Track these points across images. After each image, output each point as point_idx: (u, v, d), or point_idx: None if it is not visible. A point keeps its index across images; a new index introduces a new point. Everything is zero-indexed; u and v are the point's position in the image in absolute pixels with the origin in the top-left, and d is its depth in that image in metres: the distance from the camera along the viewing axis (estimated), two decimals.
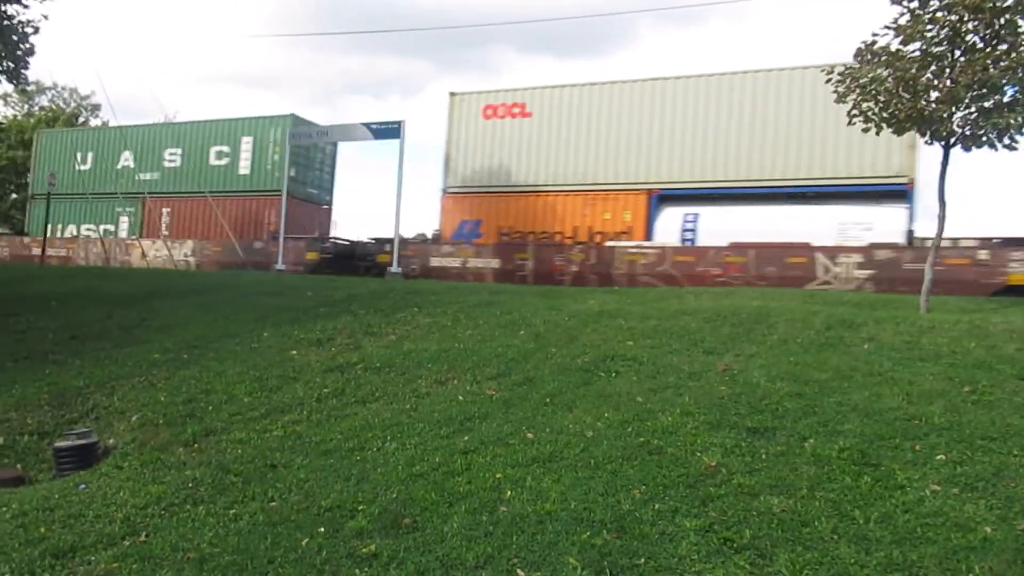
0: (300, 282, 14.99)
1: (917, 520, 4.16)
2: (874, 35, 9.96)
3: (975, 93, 9.39)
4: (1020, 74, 9.15)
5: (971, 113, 9.65)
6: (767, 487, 4.64)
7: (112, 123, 36.22)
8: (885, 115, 10.00)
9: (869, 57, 10.00)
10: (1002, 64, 9.16)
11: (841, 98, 10.29)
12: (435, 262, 19.20)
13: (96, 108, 44.17)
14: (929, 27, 9.50)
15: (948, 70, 9.56)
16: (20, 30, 14.38)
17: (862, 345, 7.70)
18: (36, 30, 14.59)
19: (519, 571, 3.93)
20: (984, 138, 9.57)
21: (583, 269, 17.50)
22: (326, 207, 25.84)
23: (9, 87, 35.88)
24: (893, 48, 9.85)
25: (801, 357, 7.28)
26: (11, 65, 14.64)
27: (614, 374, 7.16)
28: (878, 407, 5.84)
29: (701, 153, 18.52)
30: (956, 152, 10.04)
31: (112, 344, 9.89)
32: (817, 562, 3.82)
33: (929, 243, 15.54)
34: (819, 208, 16.93)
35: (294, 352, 8.78)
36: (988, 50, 9.34)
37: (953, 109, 9.59)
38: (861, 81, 9.98)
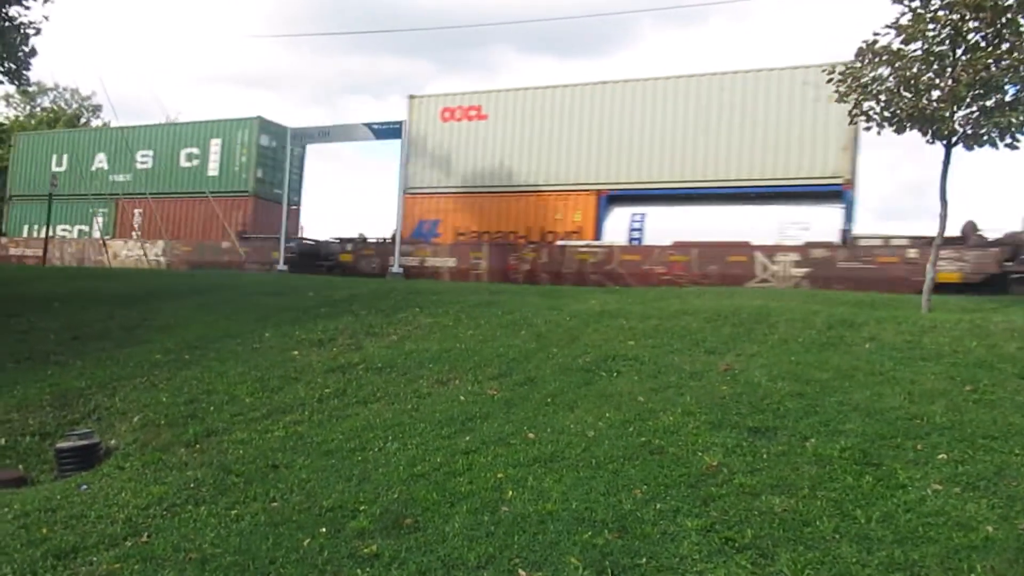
0: (300, 282, 15.00)
1: (919, 519, 4.16)
2: (875, 34, 9.95)
3: (977, 92, 9.38)
4: (1022, 73, 9.14)
5: (973, 112, 9.64)
6: (768, 487, 4.63)
7: (113, 124, 36.32)
8: (886, 114, 9.98)
9: (871, 56, 9.99)
10: (1004, 63, 9.16)
11: (842, 97, 10.28)
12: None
13: (97, 109, 44.24)
14: (931, 26, 9.49)
15: (950, 69, 9.54)
16: (22, 31, 14.39)
17: (863, 344, 7.69)
18: (38, 31, 14.59)
19: (521, 571, 3.93)
20: (986, 137, 9.56)
21: (535, 268, 18.02)
22: (294, 207, 26.07)
23: (11, 88, 35.93)
24: (895, 47, 9.84)
25: (802, 357, 7.27)
26: (13, 66, 14.65)
27: (615, 374, 7.16)
28: (879, 406, 5.84)
29: (649, 155, 18.92)
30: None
31: (113, 344, 9.90)
32: (819, 562, 3.82)
33: (862, 242, 15.94)
34: (760, 208, 17.33)
35: (296, 352, 8.79)
36: (990, 49, 9.32)
37: (955, 108, 9.59)
38: (862, 80, 9.98)
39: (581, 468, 5.12)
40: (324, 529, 4.56)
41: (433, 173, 21.16)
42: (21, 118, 41.70)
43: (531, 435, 5.78)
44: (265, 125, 24.42)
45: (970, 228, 14.78)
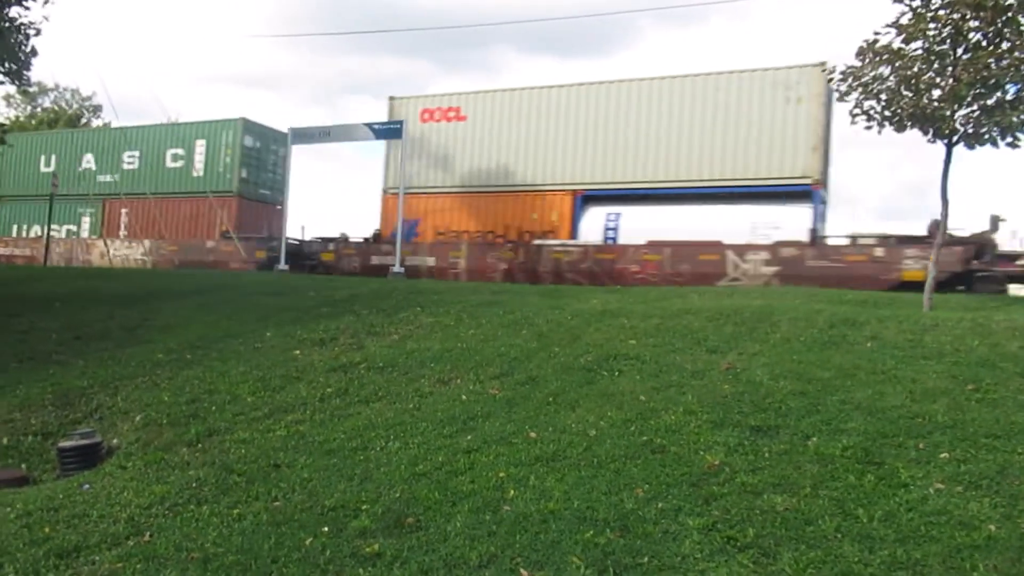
0: (301, 282, 15.02)
1: (921, 518, 4.15)
2: (876, 34, 9.95)
3: (977, 91, 9.38)
4: (1022, 72, 9.13)
5: (974, 111, 9.63)
6: (770, 485, 4.64)
7: (114, 124, 36.36)
8: (887, 114, 9.98)
9: (871, 56, 9.99)
10: (1004, 62, 9.15)
11: (843, 97, 10.27)
12: (375, 260, 20.05)
13: (98, 109, 44.32)
14: (931, 25, 9.49)
15: (950, 68, 9.54)
16: (22, 32, 14.40)
17: (865, 343, 7.69)
18: (38, 32, 14.60)
19: (522, 570, 3.93)
20: (986, 136, 9.55)
21: (512, 267, 18.30)
22: (278, 207, 26.17)
23: (12, 88, 35.94)
24: (895, 47, 9.84)
25: (804, 355, 7.27)
26: (13, 67, 14.66)
27: (617, 373, 7.15)
28: (881, 405, 5.83)
29: (623, 156, 19.11)
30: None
31: (115, 344, 9.91)
32: (821, 561, 3.82)
33: (831, 241, 16.12)
34: (733, 208, 17.56)
35: (297, 352, 8.79)
36: (990, 48, 9.32)
37: (955, 107, 9.58)
38: (863, 80, 9.97)
39: (583, 467, 5.12)
40: (326, 528, 4.56)
41: (412, 173, 21.32)
42: (22, 118, 41.71)
43: (533, 434, 5.78)
44: (249, 126, 24.73)
45: (935, 227, 14.98)
